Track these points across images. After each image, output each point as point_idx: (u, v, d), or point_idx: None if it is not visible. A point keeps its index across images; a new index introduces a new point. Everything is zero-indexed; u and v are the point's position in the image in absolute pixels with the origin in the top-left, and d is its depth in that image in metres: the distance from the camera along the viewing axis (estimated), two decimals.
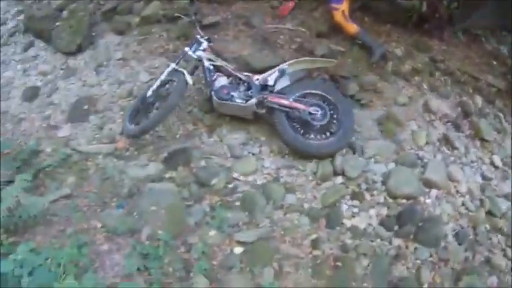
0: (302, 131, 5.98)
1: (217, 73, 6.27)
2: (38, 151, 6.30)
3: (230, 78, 6.28)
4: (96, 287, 4.14)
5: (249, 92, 6.09)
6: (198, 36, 6.38)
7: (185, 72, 6.11)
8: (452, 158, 6.45)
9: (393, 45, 7.66)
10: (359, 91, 6.85)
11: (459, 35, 8.19)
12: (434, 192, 5.93)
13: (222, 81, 6.21)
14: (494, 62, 8.20)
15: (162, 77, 6.30)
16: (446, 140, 6.63)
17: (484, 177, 6.41)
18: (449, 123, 6.89)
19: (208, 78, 6.23)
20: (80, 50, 8.07)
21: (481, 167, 6.55)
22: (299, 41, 7.41)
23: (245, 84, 6.20)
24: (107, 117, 6.80)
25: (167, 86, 6.38)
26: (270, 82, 6.14)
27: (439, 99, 7.12)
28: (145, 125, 6.09)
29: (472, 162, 6.55)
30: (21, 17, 9.42)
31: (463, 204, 5.98)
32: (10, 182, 5.12)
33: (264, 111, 6.10)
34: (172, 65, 6.21)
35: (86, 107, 7.03)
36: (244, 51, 7.20)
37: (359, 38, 7.35)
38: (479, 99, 7.34)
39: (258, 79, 6.18)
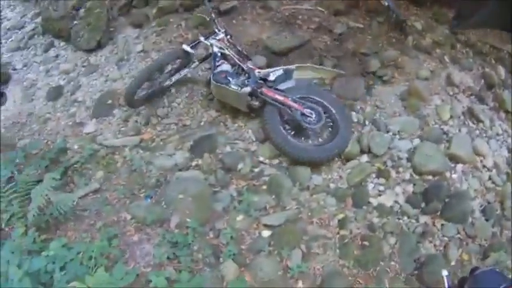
0: (293, 133, 5.90)
1: (223, 60, 6.28)
2: (65, 149, 6.35)
3: (234, 67, 6.27)
4: (126, 277, 4.21)
5: (246, 81, 6.07)
6: (216, 30, 6.43)
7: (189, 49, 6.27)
8: (477, 132, 6.40)
9: (412, 19, 7.58)
10: (380, 67, 6.80)
11: None
12: (460, 167, 5.92)
13: (224, 67, 6.22)
14: None
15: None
16: (470, 113, 6.56)
17: (510, 150, 6.37)
18: (473, 96, 6.82)
19: (213, 63, 6.29)
20: (100, 46, 8.13)
21: (506, 140, 6.51)
22: (317, 21, 7.38)
23: (246, 74, 6.18)
24: (131, 110, 6.82)
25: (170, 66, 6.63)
26: (271, 77, 6.11)
27: (462, 72, 7.04)
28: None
29: (498, 135, 6.51)
30: (39, 19, 9.51)
31: (489, 178, 5.97)
32: (39, 181, 5.18)
33: (257, 103, 6.07)
34: (185, 47, 6.29)
35: (109, 101, 7.07)
36: (263, 35, 7.21)
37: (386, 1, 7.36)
38: (502, 70, 7.22)
39: (259, 72, 6.16)
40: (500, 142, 6.45)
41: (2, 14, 10.63)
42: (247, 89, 5.89)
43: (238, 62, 6.20)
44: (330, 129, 5.91)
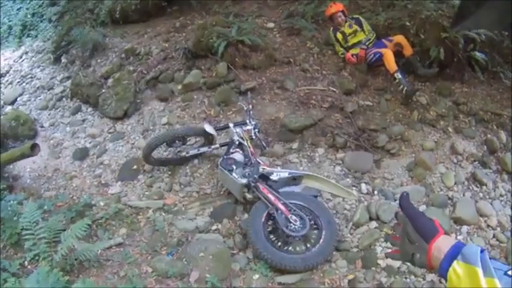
0: (274, 237, 5.89)
1: (238, 149, 6.59)
2: (91, 204, 6.75)
3: (245, 159, 6.51)
4: None
5: (248, 173, 6.26)
6: (247, 121, 6.78)
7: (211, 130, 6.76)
8: (481, 195, 6.74)
9: (417, 94, 7.95)
10: (388, 141, 7.23)
11: (479, 75, 8.38)
12: (465, 228, 6.26)
13: (237, 155, 6.49)
14: None
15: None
16: (474, 178, 6.92)
17: None
18: (476, 162, 7.16)
19: (228, 148, 6.69)
20: (126, 115, 8.67)
21: (510, 200, 6.78)
22: (330, 100, 7.80)
23: (252, 167, 6.38)
24: (155, 177, 7.27)
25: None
26: (273, 177, 6.23)
27: (465, 140, 7.43)
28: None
29: (501, 195, 6.82)
30: (68, 83, 10.20)
31: (494, 236, 6.25)
32: (64, 230, 5.53)
33: (251, 197, 6.23)
34: (207, 126, 6.77)
35: (135, 167, 7.54)
36: (281, 114, 7.66)
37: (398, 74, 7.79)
38: (503, 135, 7.56)
39: (264, 168, 6.34)
40: (504, 202, 6.72)
41: (32, 72, 11.47)
42: (243, 180, 6.15)
43: (250, 154, 6.50)
44: (315, 238, 5.85)
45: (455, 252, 1.34)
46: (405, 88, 7.66)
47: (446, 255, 1.37)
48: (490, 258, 1.26)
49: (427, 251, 1.44)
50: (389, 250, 1.76)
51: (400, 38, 8.03)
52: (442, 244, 1.41)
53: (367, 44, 8.25)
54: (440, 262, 1.38)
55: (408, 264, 5.64)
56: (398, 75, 7.72)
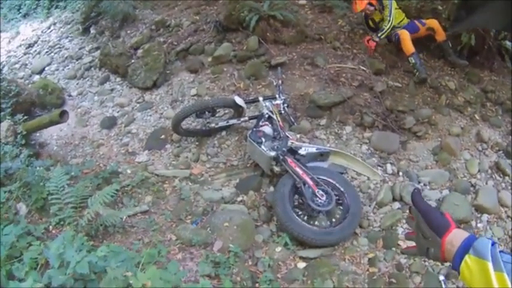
0: (300, 212, 5.95)
1: (267, 122, 6.62)
2: (117, 172, 6.85)
3: (274, 132, 6.53)
4: (179, 273, 4.37)
5: (276, 146, 6.30)
6: (277, 95, 6.83)
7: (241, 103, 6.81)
8: (503, 185, 6.73)
9: (446, 79, 7.97)
10: (415, 124, 7.23)
11: (508, 64, 8.40)
12: (485, 217, 6.25)
13: (266, 128, 6.53)
14: None
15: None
16: (497, 167, 6.91)
17: None
18: (500, 151, 7.15)
19: (257, 121, 6.73)
20: (155, 86, 8.75)
21: None
22: (359, 79, 7.82)
23: (281, 140, 6.39)
24: (183, 147, 7.35)
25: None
26: (302, 151, 6.26)
27: (491, 129, 7.42)
28: None
29: None
30: (97, 53, 10.33)
31: None
32: (91, 196, 5.57)
33: (278, 169, 6.29)
34: (237, 99, 6.81)
35: (162, 136, 7.62)
36: (310, 90, 7.69)
37: (413, 58, 7.83)
38: None
39: (292, 142, 6.35)
40: None
41: (60, 42, 11.60)
42: (272, 153, 6.19)
43: (279, 128, 6.50)
44: (339, 215, 5.95)
45: (468, 245, 1.39)
46: (417, 73, 7.74)
47: (459, 249, 1.42)
48: (500, 252, 1.31)
49: (441, 245, 1.49)
50: (405, 246, 1.80)
51: (433, 23, 7.95)
52: (454, 238, 1.46)
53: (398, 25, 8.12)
54: (453, 256, 1.43)
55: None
56: (412, 60, 7.79)
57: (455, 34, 8.01)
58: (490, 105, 7.79)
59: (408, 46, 7.76)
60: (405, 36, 7.80)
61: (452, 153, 6.97)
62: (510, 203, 6.44)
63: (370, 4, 8.11)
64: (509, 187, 6.70)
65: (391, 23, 7.94)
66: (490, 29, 7.79)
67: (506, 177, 6.82)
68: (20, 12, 14.37)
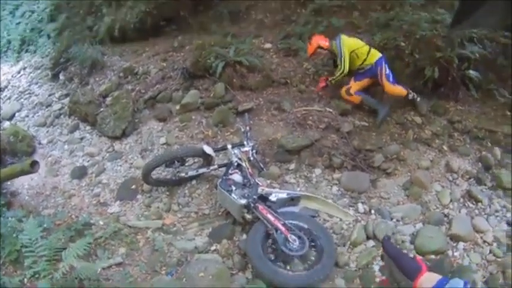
0: (274, 257, 5.94)
1: (237, 170, 6.67)
2: (90, 223, 6.81)
3: (244, 179, 6.56)
4: None
5: (247, 194, 6.31)
6: (245, 142, 6.90)
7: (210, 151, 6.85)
8: (476, 211, 6.79)
9: (412, 114, 8.07)
10: (384, 161, 7.32)
11: (473, 93, 8.42)
12: (461, 245, 6.29)
13: (235, 176, 6.57)
14: (509, 113, 8.33)
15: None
16: (469, 195, 6.97)
17: (509, 224, 6.64)
18: (471, 179, 7.23)
19: (226, 169, 6.75)
20: (124, 134, 8.80)
21: (505, 215, 6.80)
22: (326, 121, 7.87)
23: (251, 188, 6.43)
24: (154, 197, 7.38)
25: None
26: (272, 197, 6.30)
27: (460, 158, 7.49)
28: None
29: (497, 211, 6.84)
30: (66, 100, 10.33)
31: (490, 251, 6.26)
32: (64, 248, 5.62)
33: (250, 217, 6.28)
34: (206, 148, 6.86)
35: (133, 186, 7.65)
36: (278, 134, 7.75)
37: (364, 103, 8.02)
38: (498, 151, 7.58)
39: (263, 189, 6.39)
40: (500, 218, 6.74)
41: (30, 88, 11.57)
42: (243, 201, 6.20)
43: (249, 175, 6.55)
44: (313, 258, 5.92)
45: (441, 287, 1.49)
46: (381, 113, 7.94)
47: None
48: None
49: None
50: None
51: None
52: (426, 281, 1.56)
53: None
54: None
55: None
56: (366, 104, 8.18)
57: (419, 68, 8.15)
58: (457, 135, 7.88)
59: (352, 99, 8.10)
60: (343, 94, 8.16)
61: (423, 186, 7.04)
62: (485, 228, 6.51)
63: (321, 48, 8.12)
64: (483, 213, 6.78)
65: (343, 70, 7.92)
66: (453, 61, 7.93)
67: (479, 204, 6.89)
68: None
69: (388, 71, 7.82)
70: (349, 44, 7.97)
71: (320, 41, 8.11)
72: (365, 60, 7.96)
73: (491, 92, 8.67)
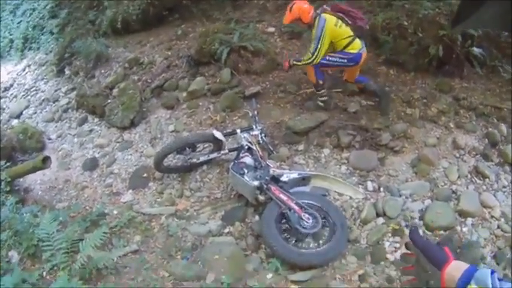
0: (288, 235, 6.02)
1: (247, 153, 6.68)
2: (104, 213, 6.92)
3: (255, 162, 6.59)
4: None
5: (259, 176, 6.38)
6: (254, 126, 6.90)
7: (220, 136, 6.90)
8: (484, 187, 6.82)
9: (418, 92, 8.09)
10: (392, 139, 7.31)
11: (478, 70, 8.47)
12: (469, 220, 6.35)
13: (247, 159, 6.60)
14: None
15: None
16: (476, 171, 7.00)
17: None
18: (478, 155, 7.24)
19: (237, 153, 6.82)
20: (133, 124, 8.88)
21: None
22: (333, 102, 7.90)
23: (262, 169, 6.49)
24: (166, 184, 7.46)
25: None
26: (283, 178, 6.37)
27: (466, 135, 7.49)
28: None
29: (504, 187, 6.88)
30: (73, 94, 10.45)
31: (498, 227, 6.32)
32: (81, 240, 5.69)
33: (263, 198, 6.35)
34: (216, 133, 6.92)
35: (145, 175, 7.73)
36: (285, 117, 7.79)
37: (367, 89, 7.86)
38: (503, 127, 7.60)
39: (274, 170, 6.45)
40: (507, 193, 6.77)
41: (36, 84, 11.65)
42: (255, 183, 6.27)
43: (259, 158, 6.58)
44: (326, 236, 6.01)
45: (468, 276, 1.52)
46: (383, 101, 7.83)
47: (460, 279, 1.54)
48: (499, 280, 1.44)
49: (440, 277, 1.62)
50: (404, 280, 1.93)
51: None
52: (454, 270, 1.59)
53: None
54: (455, 286, 1.55)
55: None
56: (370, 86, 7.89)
57: (423, 47, 8.13)
58: (463, 112, 7.87)
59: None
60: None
61: (431, 163, 7.05)
62: (492, 203, 6.55)
63: (300, 20, 7.26)
64: (490, 188, 6.81)
65: (313, 60, 7.13)
66: (457, 39, 7.93)
67: (486, 179, 6.91)
68: None
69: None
70: (333, 32, 7.05)
71: (303, 13, 7.14)
72: (344, 48, 7.21)
73: (496, 69, 8.71)
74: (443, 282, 1.60)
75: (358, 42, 7.17)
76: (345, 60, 7.18)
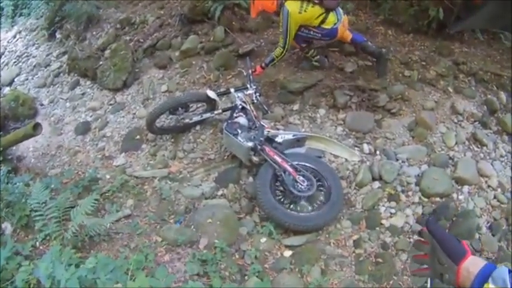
0: (282, 198, 5.96)
1: (241, 113, 6.57)
2: (97, 178, 6.82)
3: (249, 122, 6.51)
4: (167, 278, 4.45)
5: (253, 136, 6.26)
6: (248, 85, 6.74)
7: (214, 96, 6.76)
8: (481, 155, 6.73)
9: (417, 54, 7.91)
10: (389, 101, 7.15)
11: (479, 35, 8.37)
12: (466, 188, 6.26)
13: (241, 120, 6.47)
14: None
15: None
16: (474, 138, 6.90)
17: None
18: (476, 122, 7.13)
19: (231, 113, 6.68)
20: (125, 86, 8.74)
21: (510, 161, 6.80)
22: (330, 61, 7.74)
23: (256, 130, 6.39)
24: (159, 145, 7.32)
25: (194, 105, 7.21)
26: (278, 139, 6.27)
27: (465, 100, 7.37)
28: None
29: (502, 156, 6.82)
30: (64, 58, 10.31)
31: (494, 197, 6.27)
32: (73, 207, 5.59)
33: (257, 159, 6.26)
34: (209, 92, 6.79)
35: (138, 137, 7.60)
36: (280, 75, 7.60)
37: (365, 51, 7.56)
38: (503, 95, 7.51)
39: (268, 131, 6.35)
40: (504, 163, 6.73)
41: (27, 50, 11.55)
42: (250, 144, 6.16)
43: (254, 118, 6.49)
44: (321, 199, 5.96)
45: (486, 274, 1.42)
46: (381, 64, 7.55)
47: (476, 277, 1.44)
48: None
49: (456, 271, 1.52)
50: (415, 269, 1.83)
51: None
52: (471, 265, 1.49)
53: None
54: (471, 284, 1.46)
55: (411, 223, 5.75)
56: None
57: (423, 8, 7.95)
58: (462, 77, 7.73)
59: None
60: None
61: (428, 127, 6.94)
62: (490, 172, 6.46)
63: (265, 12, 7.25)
64: (488, 157, 6.72)
65: (284, 50, 6.98)
66: (457, 1, 7.64)
67: (484, 148, 6.83)
68: None
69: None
70: (299, 19, 6.75)
71: (264, 5, 7.02)
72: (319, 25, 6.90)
73: (497, 35, 8.58)
74: (458, 277, 1.52)
75: (332, 18, 6.86)
76: (319, 35, 6.98)
